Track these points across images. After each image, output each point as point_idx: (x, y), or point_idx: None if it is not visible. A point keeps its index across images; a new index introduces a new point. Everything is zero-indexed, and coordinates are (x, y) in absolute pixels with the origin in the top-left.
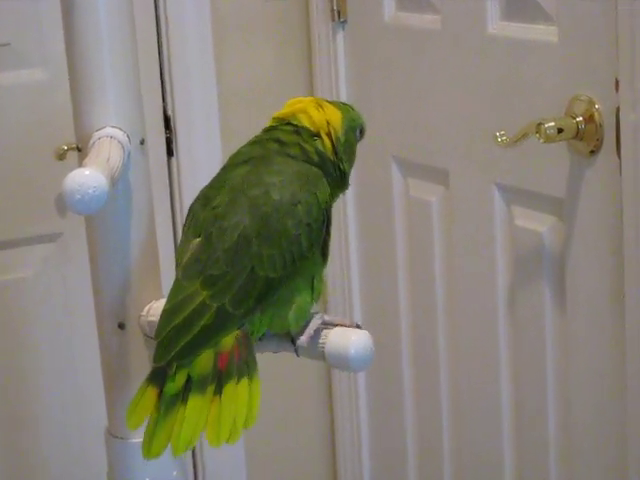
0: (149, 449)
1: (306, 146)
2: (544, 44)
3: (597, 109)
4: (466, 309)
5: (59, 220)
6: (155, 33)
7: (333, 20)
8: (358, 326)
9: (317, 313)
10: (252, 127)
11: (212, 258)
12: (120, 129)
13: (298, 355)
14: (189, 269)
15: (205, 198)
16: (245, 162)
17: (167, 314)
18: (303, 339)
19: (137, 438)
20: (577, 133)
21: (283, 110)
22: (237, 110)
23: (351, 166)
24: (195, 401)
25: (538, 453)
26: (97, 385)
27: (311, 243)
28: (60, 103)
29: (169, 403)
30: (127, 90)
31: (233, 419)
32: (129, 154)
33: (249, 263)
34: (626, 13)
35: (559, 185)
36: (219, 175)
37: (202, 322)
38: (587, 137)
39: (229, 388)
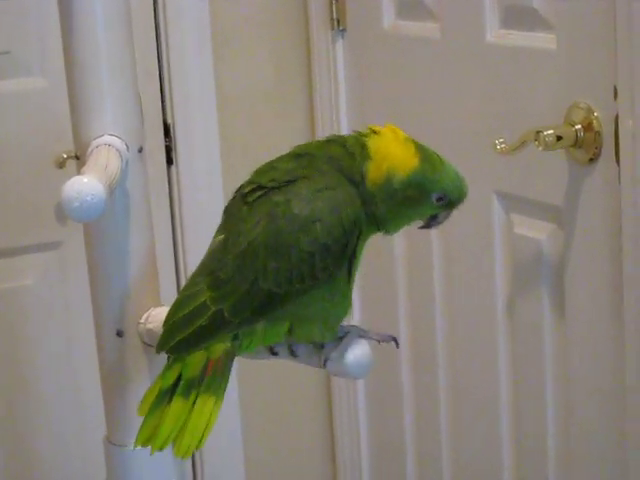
0: (136, 437)
1: (357, 160)
2: (543, 52)
3: (596, 117)
4: (465, 316)
5: (59, 228)
6: (154, 42)
7: (332, 28)
8: (395, 340)
9: (354, 327)
10: (251, 135)
11: (223, 261)
12: (118, 137)
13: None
14: (204, 266)
15: (248, 184)
16: (297, 156)
17: (175, 305)
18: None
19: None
20: (576, 141)
21: (376, 126)
22: (236, 118)
23: (395, 219)
24: (177, 404)
25: (537, 458)
26: (96, 392)
27: (326, 264)
28: (59, 111)
29: (160, 397)
30: (125, 98)
31: (192, 435)
32: (127, 162)
33: (253, 274)
34: (624, 21)
35: (558, 193)
36: (272, 161)
37: (199, 322)
38: (586, 145)
39: (202, 399)
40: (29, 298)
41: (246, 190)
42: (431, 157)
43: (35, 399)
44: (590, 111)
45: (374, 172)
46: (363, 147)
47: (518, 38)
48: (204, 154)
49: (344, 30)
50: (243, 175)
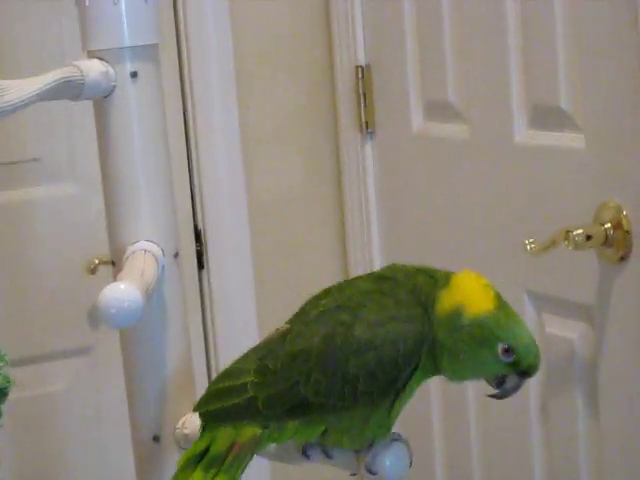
0: None
1: (437, 287)
2: (571, 151)
3: (625, 215)
4: (499, 417)
5: (91, 333)
6: (185, 149)
7: (361, 131)
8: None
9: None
10: (282, 239)
11: (276, 352)
12: (154, 243)
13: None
14: (261, 347)
15: (324, 292)
16: (380, 279)
17: (223, 374)
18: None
19: None
20: (606, 240)
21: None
22: (267, 223)
23: (456, 361)
24: (197, 476)
25: None
26: None
27: (369, 391)
28: (90, 217)
29: (188, 462)
30: (161, 204)
31: None
32: (163, 267)
33: (296, 377)
34: None
35: (589, 292)
36: (354, 278)
37: (236, 400)
38: (616, 244)
39: (220, 479)
40: (61, 403)
41: (321, 301)
42: (508, 309)
43: None
44: (619, 210)
45: (446, 300)
46: (447, 279)
47: (546, 138)
48: (235, 258)
49: (373, 133)
50: (275, 279)
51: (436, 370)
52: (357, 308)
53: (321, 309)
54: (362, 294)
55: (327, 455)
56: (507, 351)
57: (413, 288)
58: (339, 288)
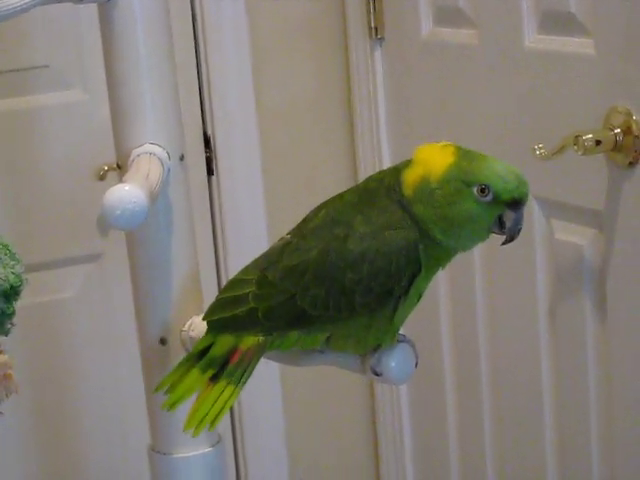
0: (160, 382)
1: (392, 179)
2: (581, 57)
3: (635, 120)
4: (507, 323)
5: (100, 240)
6: (194, 53)
7: (371, 37)
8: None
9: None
10: (291, 145)
11: (275, 265)
12: (159, 145)
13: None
14: (262, 259)
15: (323, 204)
16: (361, 190)
17: (229, 284)
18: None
19: (180, 453)
20: (615, 145)
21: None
22: (276, 128)
23: (447, 228)
24: (194, 374)
25: (581, 464)
26: (140, 402)
27: (366, 302)
28: (99, 123)
29: (186, 360)
30: (166, 107)
31: (204, 415)
32: (169, 170)
33: (294, 290)
34: None
35: (598, 197)
36: (345, 191)
37: (237, 310)
38: (625, 149)
39: (221, 384)
40: (71, 310)
41: (319, 214)
42: (470, 154)
43: (78, 409)
44: (629, 115)
45: (410, 177)
46: (409, 163)
47: (556, 43)
48: (245, 164)
49: (382, 39)
50: (283, 184)
51: (446, 254)
52: (348, 221)
53: (317, 222)
54: (348, 206)
55: (320, 351)
56: (483, 190)
57: (386, 191)
58: (333, 201)
